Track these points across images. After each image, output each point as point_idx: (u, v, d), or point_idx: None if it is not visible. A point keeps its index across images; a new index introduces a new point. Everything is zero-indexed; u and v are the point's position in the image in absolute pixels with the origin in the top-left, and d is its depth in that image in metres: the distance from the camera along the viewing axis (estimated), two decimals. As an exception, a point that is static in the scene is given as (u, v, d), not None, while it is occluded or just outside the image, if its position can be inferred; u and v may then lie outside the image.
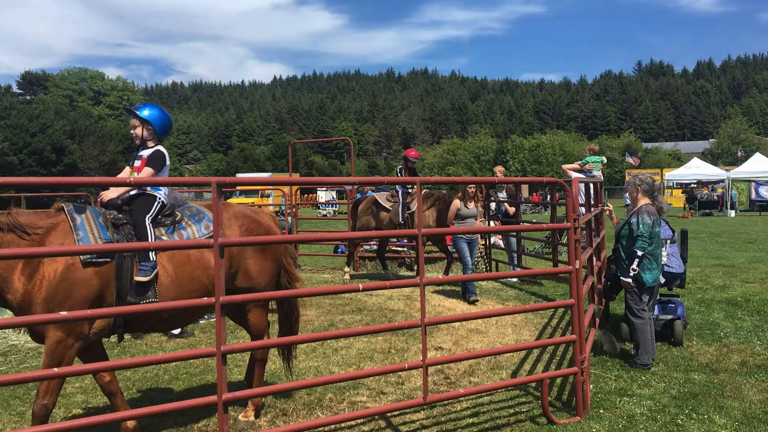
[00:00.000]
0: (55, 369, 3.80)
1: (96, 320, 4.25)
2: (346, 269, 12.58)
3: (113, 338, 7.89)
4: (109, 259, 4.29)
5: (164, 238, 4.62)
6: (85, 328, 4.24)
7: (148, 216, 4.59)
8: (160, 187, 4.87)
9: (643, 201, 6.57)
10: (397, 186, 11.95)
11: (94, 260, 4.21)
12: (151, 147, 4.99)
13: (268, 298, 5.14)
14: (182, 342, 7.69)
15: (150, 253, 4.40)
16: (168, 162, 4.99)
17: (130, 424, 4.66)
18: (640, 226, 6.30)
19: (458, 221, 9.99)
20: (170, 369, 6.47)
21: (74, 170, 60.64)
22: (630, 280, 6.33)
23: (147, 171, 4.85)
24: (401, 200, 11.83)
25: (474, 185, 10.02)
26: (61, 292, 4.09)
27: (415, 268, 13.19)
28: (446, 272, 11.47)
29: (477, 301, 9.67)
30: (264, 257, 4.96)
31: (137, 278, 4.34)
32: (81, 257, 4.16)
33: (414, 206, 11.38)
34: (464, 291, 9.94)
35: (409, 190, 11.89)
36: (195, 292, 4.57)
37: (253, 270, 4.89)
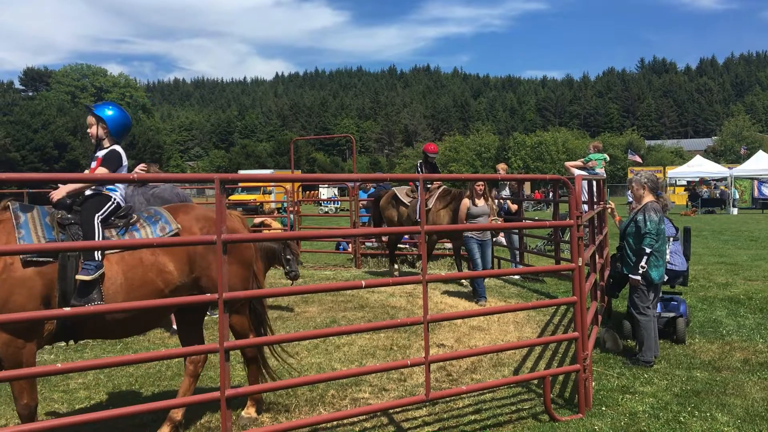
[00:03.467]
0: (59, 365, 3.80)
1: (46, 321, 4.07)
2: (396, 267, 12.40)
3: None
4: (51, 259, 4.10)
5: (113, 239, 4.43)
6: (35, 329, 4.06)
7: (97, 215, 4.41)
8: (117, 188, 4.71)
9: (648, 198, 6.56)
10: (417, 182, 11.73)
11: (34, 259, 4.03)
12: (107, 147, 4.82)
13: (271, 295, 5.15)
14: (185, 338, 7.69)
15: (95, 252, 4.21)
16: (125, 162, 4.80)
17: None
18: (648, 223, 6.30)
19: (469, 221, 9.67)
20: (173, 365, 6.48)
21: (76, 167, 60.74)
22: (639, 278, 6.32)
23: (101, 172, 4.67)
24: (420, 196, 11.63)
25: (483, 182, 9.77)
26: (1, 292, 3.93)
27: (418, 265, 13.20)
28: (458, 269, 11.44)
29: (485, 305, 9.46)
30: (230, 261, 4.60)
31: (79, 276, 4.13)
32: (21, 256, 3.99)
33: (431, 203, 11.22)
34: (474, 293, 9.77)
35: (428, 186, 11.54)
36: (147, 297, 4.33)
37: (217, 275, 4.70)
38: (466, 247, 9.85)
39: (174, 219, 4.62)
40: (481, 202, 9.70)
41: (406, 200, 11.87)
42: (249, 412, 5.03)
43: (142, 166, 8.12)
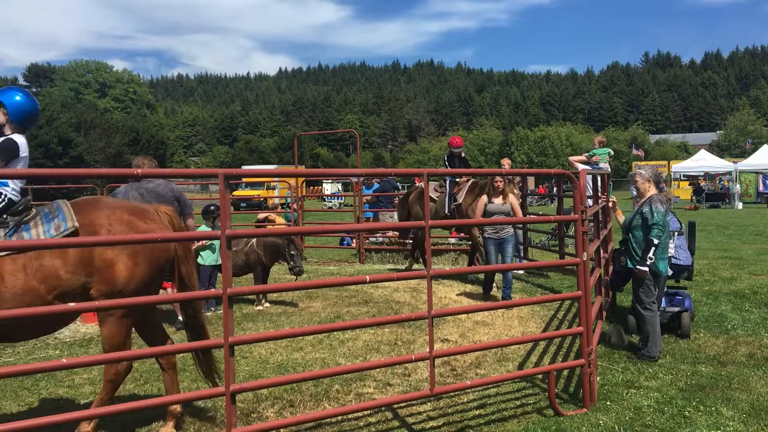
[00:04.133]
0: (64, 360, 3.81)
1: None
2: (410, 263, 12.32)
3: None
4: None
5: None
6: None
7: None
8: (7, 182, 4.32)
9: (653, 191, 6.55)
10: (445, 176, 11.36)
11: None
12: (6, 135, 4.43)
13: (275, 290, 5.15)
14: (189, 333, 7.70)
15: None
16: (23, 153, 4.41)
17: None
18: (655, 214, 6.28)
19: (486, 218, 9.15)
20: (177, 360, 6.48)
21: (80, 162, 60.85)
22: (646, 269, 6.29)
23: None
24: (448, 191, 11.21)
25: (502, 178, 9.26)
26: None
27: (421, 260, 13.19)
28: (470, 263, 11.38)
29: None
30: (135, 262, 4.26)
31: None
32: None
33: (461, 197, 11.04)
34: (485, 290, 9.55)
35: (457, 180, 11.26)
36: (28, 305, 3.98)
37: (121, 277, 4.24)
38: (484, 247, 9.40)
39: (73, 216, 4.19)
40: (498, 200, 9.18)
41: (434, 195, 11.57)
42: (166, 428, 4.66)
43: (136, 162, 7.99)
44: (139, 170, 3.63)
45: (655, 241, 6.25)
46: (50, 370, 3.75)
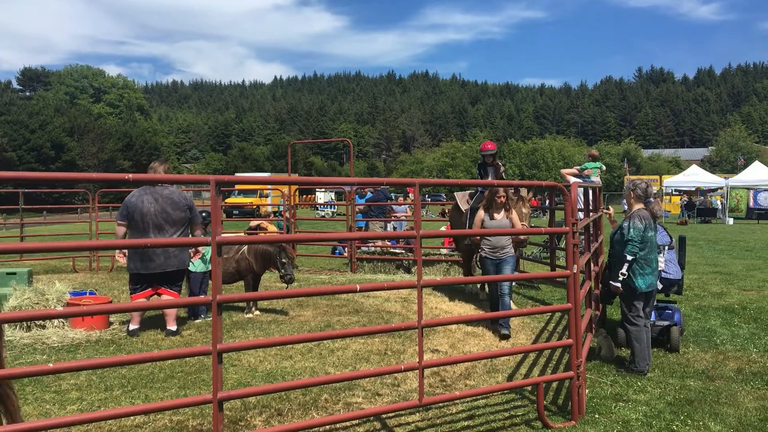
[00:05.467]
0: (50, 365, 3.78)
1: None
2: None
3: (108, 335, 7.89)
4: None
5: None
6: None
7: None
8: None
9: (637, 206, 6.59)
10: (478, 187, 10.40)
11: None
12: None
13: (265, 297, 5.13)
14: (178, 340, 7.68)
15: None
16: None
17: None
18: (631, 230, 6.33)
19: (484, 237, 8.31)
20: (165, 367, 6.45)
21: (73, 167, 60.77)
22: (619, 285, 6.33)
23: None
24: (472, 204, 10.36)
25: (504, 192, 8.40)
26: None
27: (413, 270, 13.18)
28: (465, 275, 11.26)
29: (508, 336, 7.87)
30: None
31: None
32: None
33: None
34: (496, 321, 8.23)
35: (484, 192, 10.06)
36: None
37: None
38: (482, 266, 8.59)
39: None
40: (500, 215, 8.33)
41: (463, 208, 10.89)
42: None
43: (153, 165, 8.22)
44: (130, 175, 3.62)
45: (629, 258, 6.28)
46: (37, 374, 3.72)
